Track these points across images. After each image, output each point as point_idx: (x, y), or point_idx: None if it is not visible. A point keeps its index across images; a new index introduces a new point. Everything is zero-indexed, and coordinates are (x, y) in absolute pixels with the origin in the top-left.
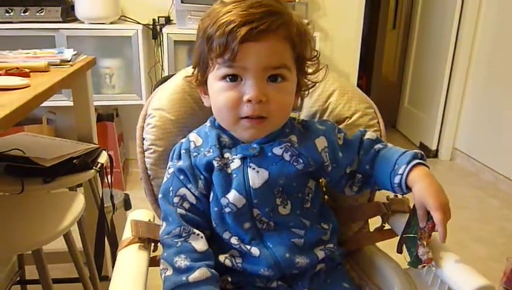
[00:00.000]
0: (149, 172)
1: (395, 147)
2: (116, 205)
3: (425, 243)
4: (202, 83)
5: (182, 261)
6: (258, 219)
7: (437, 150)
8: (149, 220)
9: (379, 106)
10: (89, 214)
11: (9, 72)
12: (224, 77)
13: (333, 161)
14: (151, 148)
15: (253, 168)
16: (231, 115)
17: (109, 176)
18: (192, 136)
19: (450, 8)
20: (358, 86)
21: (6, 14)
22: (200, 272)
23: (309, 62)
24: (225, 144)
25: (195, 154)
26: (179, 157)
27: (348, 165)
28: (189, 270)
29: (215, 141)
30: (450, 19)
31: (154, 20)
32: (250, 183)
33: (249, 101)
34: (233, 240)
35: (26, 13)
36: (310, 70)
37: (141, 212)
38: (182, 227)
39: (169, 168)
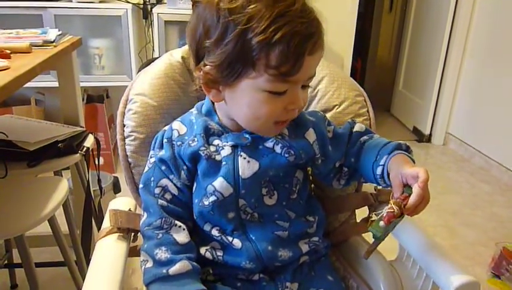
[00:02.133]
0: (130, 160)
1: (380, 138)
2: (105, 188)
3: (392, 203)
4: (225, 81)
5: (162, 254)
6: (243, 209)
7: (430, 135)
8: (129, 209)
9: (374, 90)
10: (77, 198)
11: None
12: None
13: (322, 153)
14: (132, 135)
15: (244, 158)
16: (270, 121)
17: (96, 159)
18: (176, 124)
19: None
20: (353, 69)
21: None
22: (180, 265)
23: None
24: (214, 131)
25: (178, 143)
26: (161, 147)
27: (337, 159)
28: (169, 263)
29: (200, 130)
30: (447, 2)
31: None
32: (240, 173)
33: (293, 109)
34: (215, 232)
35: None
36: None
37: (122, 200)
38: (164, 219)
39: (150, 157)
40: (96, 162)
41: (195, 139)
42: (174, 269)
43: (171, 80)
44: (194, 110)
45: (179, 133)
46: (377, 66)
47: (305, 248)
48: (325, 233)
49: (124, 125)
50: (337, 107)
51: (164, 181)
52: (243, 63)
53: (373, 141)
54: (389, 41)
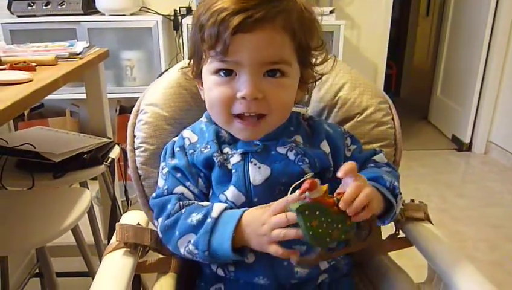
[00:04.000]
0: (140, 172)
1: (386, 171)
2: (132, 198)
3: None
4: (198, 75)
5: (195, 217)
6: None
7: (470, 143)
8: (138, 223)
9: (410, 96)
10: (105, 208)
11: (15, 66)
12: (217, 71)
13: (334, 168)
14: (142, 147)
15: (255, 164)
16: (224, 112)
17: (125, 170)
18: (186, 132)
19: None
20: (388, 75)
21: (29, 8)
22: (217, 206)
23: (314, 52)
24: (224, 139)
25: (191, 151)
26: (173, 156)
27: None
28: (207, 215)
29: (212, 136)
30: (487, 4)
31: (175, 10)
32: (251, 180)
33: (243, 98)
34: None
35: (48, 6)
36: (316, 61)
37: (133, 214)
38: (181, 202)
39: (162, 168)
40: (124, 173)
41: (208, 146)
42: (215, 212)
43: (184, 90)
44: (203, 119)
45: (190, 141)
46: (414, 72)
47: (323, 265)
48: (348, 253)
49: (135, 136)
50: (358, 115)
51: (179, 189)
52: (197, 50)
53: (372, 170)
54: (426, 47)
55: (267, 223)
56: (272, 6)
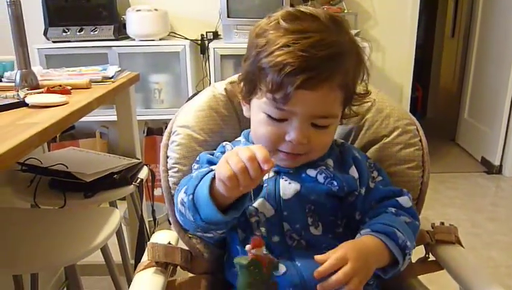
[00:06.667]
0: (172, 192)
1: (403, 221)
2: (159, 219)
3: None
4: (245, 97)
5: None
6: (288, 234)
7: (501, 166)
8: (169, 243)
9: (437, 118)
10: (132, 228)
11: (52, 89)
12: (269, 115)
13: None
14: (175, 167)
15: (286, 180)
16: (269, 146)
17: (152, 190)
18: (228, 145)
19: None
20: (414, 97)
21: (63, 34)
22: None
23: (357, 97)
24: None
25: None
26: (211, 162)
27: (358, 210)
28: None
29: None
30: None
31: (202, 35)
32: (281, 194)
33: (290, 141)
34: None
35: (82, 32)
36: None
37: (164, 233)
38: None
39: (194, 169)
40: (151, 193)
41: None
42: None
43: (214, 112)
44: (241, 139)
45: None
46: (440, 94)
47: None
48: (376, 274)
49: (168, 157)
50: (385, 137)
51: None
52: (253, 82)
53: (388, 219)
54: (452, 68)
55: (239, 155)
56: (333, 64)
